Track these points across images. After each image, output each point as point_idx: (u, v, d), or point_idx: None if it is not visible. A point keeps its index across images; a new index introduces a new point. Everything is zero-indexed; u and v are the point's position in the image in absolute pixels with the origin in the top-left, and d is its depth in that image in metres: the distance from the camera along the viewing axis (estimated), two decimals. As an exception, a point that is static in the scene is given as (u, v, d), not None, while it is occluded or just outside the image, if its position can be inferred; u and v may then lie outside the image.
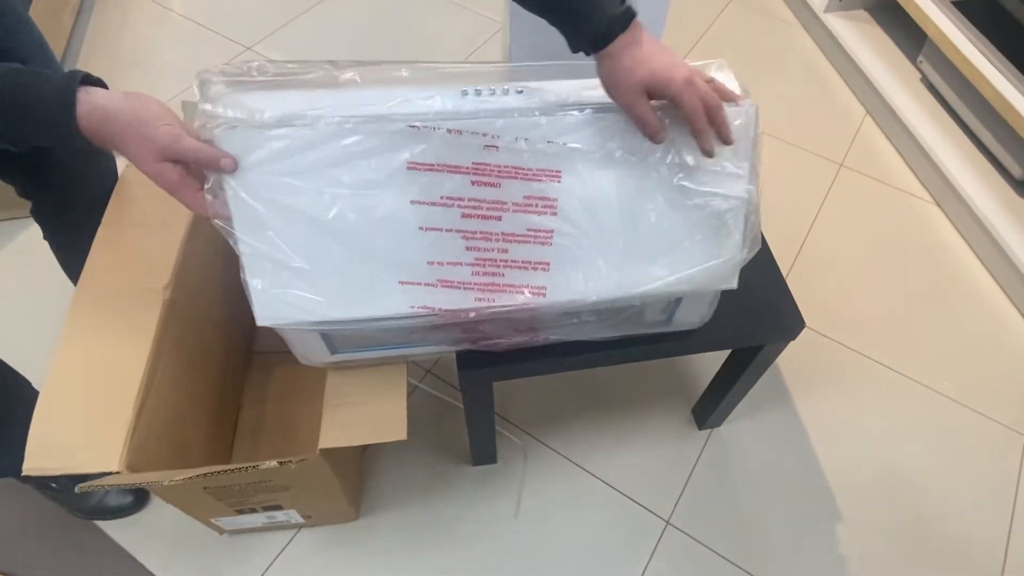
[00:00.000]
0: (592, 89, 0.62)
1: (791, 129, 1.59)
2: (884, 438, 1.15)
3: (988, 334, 1.27)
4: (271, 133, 0.58)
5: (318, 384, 0.81)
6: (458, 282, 0.64)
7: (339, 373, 0.80)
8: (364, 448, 1.10)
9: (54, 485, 0.98)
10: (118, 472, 0.68)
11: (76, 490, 0.65)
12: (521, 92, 0.62)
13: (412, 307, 0.63)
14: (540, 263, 0.64)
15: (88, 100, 0.54)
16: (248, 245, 0.60)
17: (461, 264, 0.63)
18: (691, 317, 0.78)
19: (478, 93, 0.61)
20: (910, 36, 1.62)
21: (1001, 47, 1.29)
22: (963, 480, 1.11)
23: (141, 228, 0.85)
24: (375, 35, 1.74)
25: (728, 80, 0.65)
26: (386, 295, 0.63)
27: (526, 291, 0.64)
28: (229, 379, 1.05)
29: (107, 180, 0.90)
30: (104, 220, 0.85)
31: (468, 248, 0.63)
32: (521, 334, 0.71)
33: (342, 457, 0.89)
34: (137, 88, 0.78)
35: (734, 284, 0.69)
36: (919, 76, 1.56)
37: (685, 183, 0.63)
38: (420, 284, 0.63)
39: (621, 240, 0.64)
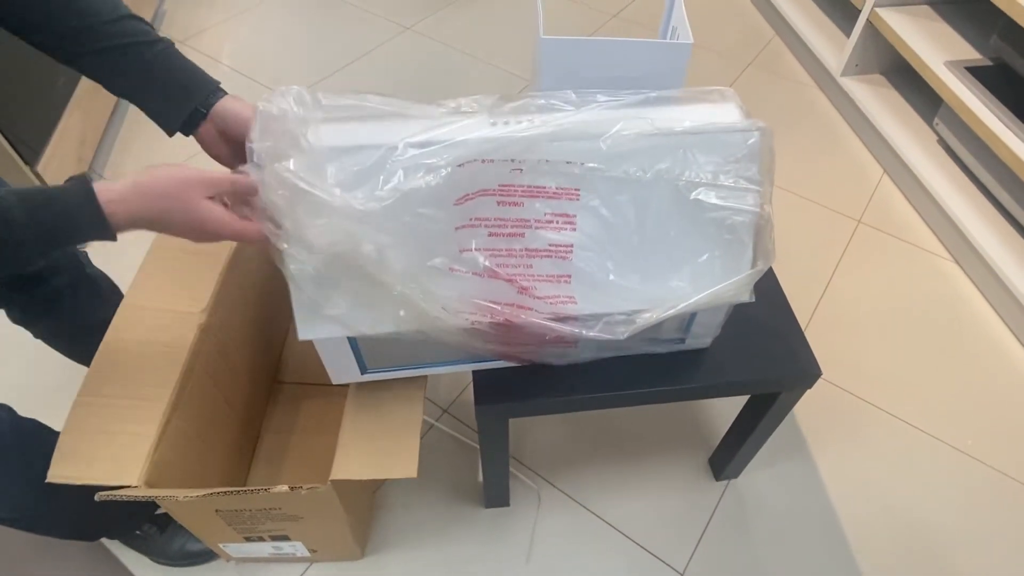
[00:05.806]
0: (611, 120, 0.66)
1: (809, 185, 1.62)
2: (906, 495, 1.11)
3: (1009, 391, 1.25)
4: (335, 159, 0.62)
5: (338, 418, 0.82)
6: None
7: (356, 408, 0.82)
8: (377, 487, 1.10)
9: (139, 533, 0.98)
10: (136, 487, 0.69)
11: (96, 498, 0.66)
12: (545, 123, 0.65)
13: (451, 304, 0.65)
14: (563, 276, 0.67)
15: (107, 189, 0.54)
16: (296, 262, 0.63)
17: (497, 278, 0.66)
18: (704, 332, 0.79)
19: (506, 123, 0.65)
20: (926, 99, 1.66)
21: (1015, 110, 1.32)
22: (989, 541, 1.06)
23: (187, 253, 0.89)
24: (409, 92, 1.82)
25: (732, 112, 0.69)
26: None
27: (557, 301, 0.67)
28: (252, 407, 1.06)
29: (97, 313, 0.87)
30: (154, 245, 0.90)
31: (499, 266, 0.66)
32: (549, 345, 0.73)
33: (353, 491, 0.90)
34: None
35: (749, 297, 0.70)
36: (935, 138, 1.59)
37: (700, 198, 0.66)
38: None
39: (639, 252, 0.67)
